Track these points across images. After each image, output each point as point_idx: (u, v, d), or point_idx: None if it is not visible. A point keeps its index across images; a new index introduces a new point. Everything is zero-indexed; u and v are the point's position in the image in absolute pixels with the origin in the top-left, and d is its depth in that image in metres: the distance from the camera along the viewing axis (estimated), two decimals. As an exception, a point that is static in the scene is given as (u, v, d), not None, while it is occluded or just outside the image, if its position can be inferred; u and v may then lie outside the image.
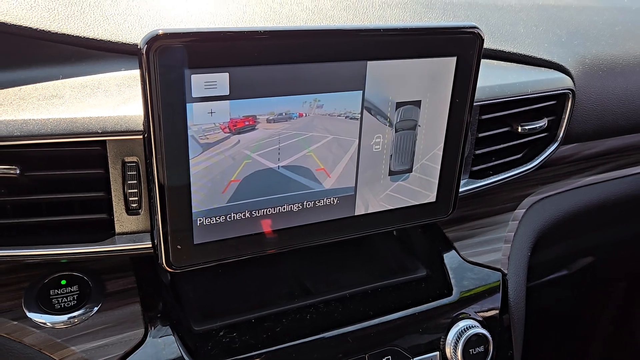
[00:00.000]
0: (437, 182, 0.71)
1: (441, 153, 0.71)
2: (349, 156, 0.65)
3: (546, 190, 0.97)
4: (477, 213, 0.88)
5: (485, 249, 0.83)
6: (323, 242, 0.69)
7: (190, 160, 0.56)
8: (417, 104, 0.66)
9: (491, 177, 0.82)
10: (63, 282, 0.65)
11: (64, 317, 0.62)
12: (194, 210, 0.60)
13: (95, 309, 0.64)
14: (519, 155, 0.86)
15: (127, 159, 0.59)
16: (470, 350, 0.72)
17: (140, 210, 0.61)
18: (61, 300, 0.64)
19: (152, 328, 0.64)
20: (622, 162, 1.08)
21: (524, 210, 0.91)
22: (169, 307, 0.67)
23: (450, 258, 0.81)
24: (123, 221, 0.61)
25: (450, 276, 0.78)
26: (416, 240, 0.85)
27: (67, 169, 0.57)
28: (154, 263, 0.70)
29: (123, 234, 0.62)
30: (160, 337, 0.63)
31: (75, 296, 0.64)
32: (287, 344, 0.66)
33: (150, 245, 0.62)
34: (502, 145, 0.82)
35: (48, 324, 0.62)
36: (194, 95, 0.54)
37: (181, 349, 0.63)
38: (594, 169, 1.04)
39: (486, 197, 0.92)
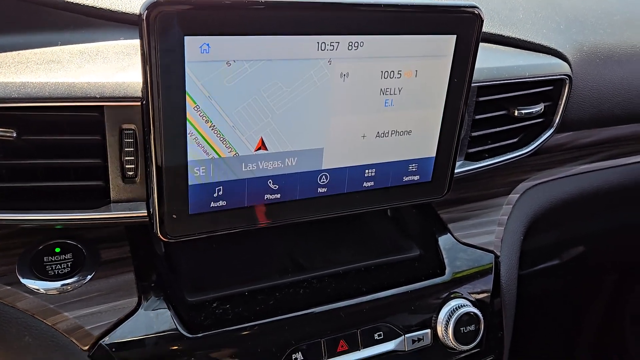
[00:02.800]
0: (434, 157, 0.72)
1: (438, 132, 0.71)
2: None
3: (540, 177, 0.97)
4: (472, 196, 0.89)
5: (478, 231, 0.84)
6: (316, 217, 0.69)
7: (187, 125, 0.56)
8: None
9: (487, 159, 0.83)
10: (57, 249, 0.65)
11: (57, 284, 0.62)
12: (189, 179, 0.60)
13: (89, 277, 0.64)
14: (515, 140, 0.87)
15: (125, 127, 0.59)
16: (462, 328, 0.73)
17: (136, 179, 0.61)
18: (55, 267, 0.64)
19: (146, 297, 0.64)
20: (616, 152, 1.09)
21: (518, 195, 0.92)
22: (162, 278, 0.67)
23: (443, 239, 0.81)
24: (119, 189, 0.61)
25: (444, 256, 0.79)
26: (410, 221, 0.85)
27: (64, 134, 0.57)
28: (148, 233, 0.71)
29: (119, 201, 0.62)
30: (154, 306, 0.64)
31: (69, 264, 0.64)
32: (280, 316, 0.66)
33: (146, 214, 0.62)
34: (498, 129, 0.83)
35: (41, 290, 0.62)
36: (192, 60, 0.54)
37: (174, 318, 0.63)
38: (588, 158, 1.05)
39: (481, 181, 0.92)
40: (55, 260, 0.64)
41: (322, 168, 0.68)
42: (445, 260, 0.78)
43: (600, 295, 1.90)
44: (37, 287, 0.62)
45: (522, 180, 0.95)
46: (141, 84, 0.55)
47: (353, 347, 0.69)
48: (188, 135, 0.59)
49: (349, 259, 0.77)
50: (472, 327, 0.74)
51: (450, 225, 0.83)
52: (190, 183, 0.61)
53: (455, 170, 0.77)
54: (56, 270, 0.63)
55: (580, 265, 1.37)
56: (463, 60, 0.67)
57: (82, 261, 0.65)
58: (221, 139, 0.61)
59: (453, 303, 0.74)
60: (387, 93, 0.67)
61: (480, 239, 0.83)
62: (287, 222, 0.68)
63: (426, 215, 0.84)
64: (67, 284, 0.63)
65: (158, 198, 0.59)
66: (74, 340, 0.60)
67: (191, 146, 0.59)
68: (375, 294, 0.72)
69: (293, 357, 0.65)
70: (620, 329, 1.87)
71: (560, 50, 0.89)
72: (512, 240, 0.86)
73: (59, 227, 0.63)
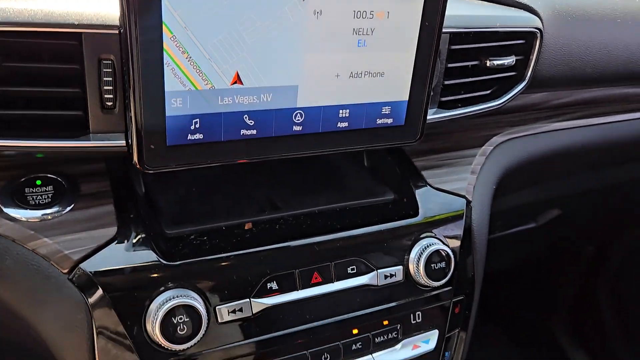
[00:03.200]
0: (407, 98, 0.74)
1: (410, 76, 0.74)
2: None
3: (514, 132, 1.00)
4: (446, 146, 0.92)
5: (451, 178, 0.87)
6: (292, 155, 0.71)
7: (164, 56, 0.58)
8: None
9: (459, 109, 0.85)
10: (38, 182, 0.67)
11: (38, 213, 0.64)
12: (167, 110, 0.62)
13: (69, 207, 0.66)
14: (487, 92, 0.89)
15: (103, 56, 0.60)
16: (432, 265, 0.76)
17: (115, 110, 0.63)
18: (36, 197, 0.65)
19: (125, 227, 0.66)
20: (588, 113, 1.12)
21: (492, 147, 0.95)
22: (141, 212, 0.69)
23: (417, 184, 0.84)
24: (98, 120, 0.63)
25: (417, 200, 0.81)
26: (385, 168, 0.88)
27: (43, 62, 0.59)
28: (128, 170, 0.72)
29: (98, 132, 0.63)
30: (132, 235, 0.66)
31: (49, 195, 0.66)
32: (256, 248, 0.69)
33: (124, 145, 0.64)
34: (471, 79, 0.85)
35: (22, 218, 0.63)
36: (168, -14, 0.56)
37: (152, 247, 0.65)
38: (560, 117, 1.08)
39: (454, 133, 0.95)
40: (36, 192, 0.66)
41: (297, 106, 0.70)
42: (419, 204, 0.81)
43: (576, 264, 1.95)
44: (18, 215, 0.63)
45: (496, 134, 0.98)
46: (119, 12, 0.57)
47: (326, 280, 0.71)
48: (165, 66, 0.60)
49: (325, 201, 0.80)
50: (442, 265, 0.77)
51: (424, 172, 0.86)
52: (167, 114, 0.63)
53: (429, 117, 0.79)
54: (37, 200, 0.65)
55: (556, 232, 1.41)
56: (434, 4, 0.69)
57: (62, 193, 0.67)
58: (197, 71, 0.63)
59: (424, 242, 0.77)
60: (359, 33, 0.69)
61: (453, 185, 0.85)
62: (263, 159, 0.70)
63: (401, 163, 0.87)
64: (48, 213, 0.64)
65: (136, 128, 0.61)
66: (53, 264, 0.62)
67: (168, 77, 0.61)
68: (349, 231, 0.74)
69: (268, 286, 0.68)
70: (594, 296, 1.92)
71: (532, 5, 0.91)
72: (484, 187, 0.89)
73: (39, 155, 0.64)
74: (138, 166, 0.63)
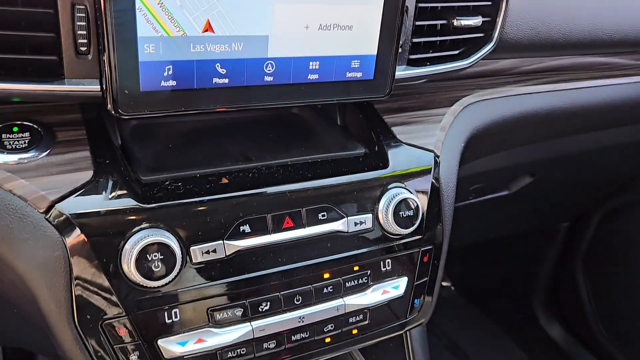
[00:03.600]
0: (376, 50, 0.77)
1: (378, 30, 0.76)
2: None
3: (483, 95, 1.03)
4: (416, 105, 0.95)
5: (421, 134, 0.90)
6: (263, 106, 0.74)
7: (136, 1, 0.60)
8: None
9: (428, 66, 0.88)
10: (15, 129, 0.68)
11: (15, 157, 0.66)
12: (140, 55, 0.64)
13: (45, 152, 0.67)
14: (455, 52, 0.93)
15: (77, 1, 0.62)
16: (401, 213, 0.79)
17: (89, 55, 0.65)
18: (12, 142, 0.67)
19: (101, 171, 0.68)
20: (554, 79, 1.16)
21: (461, 108, 0.98)
22: (117, 159, 0.71)
23: (387, 139, 0.87)
24: (72, 65, 0.64)
25: (387, 153, 0.84)
26: (357, 126, 0.90)
27: (17, 6, 0.60)
28: (104, 121, 0.74)
29: (73, 78, 0.65)
30: (108, 179, 0.67)
31: (26, 140, 0.68)
32: (229, 194, 0.71)
33: (99, 90, 0.65)
34: (439, 38, 0.88)
35: (-1, 161, 0.65)
36: None
37: (128, 190, 0.67)
38: (528, 82, 1.12)
39: (425, 94, 0.98)
40: (12, 137, 0.67)
41: (268, 56, 0.72)
42: (389, 157, 0.84)
43: (553, 240, 2.01)
44: (-5, 159, 0.65)
45: (465, 96, 1.01)
46: (91, -44, 0.59)
47: (298, 225, 0.74)
48: (137, 11, 0.63)
49: (298, 154, 0.82)
50: (410, 213, 0.80)
51: (394, 129, 0.89)
52: (140, 59, 0.65)
53: (397, 74, 0.82)
54: (14, 145, 0.67)
55: (528, 197, 1.45)
56: (399, -42, 0.72)
57: (39, 139, 0.68)
58: (169, 17, 0.65)
59: (393, 191, 0.80)
60: (328, -15, 0.72)
61: (422, 140, 0.88)
62: (235, 108, 0.72)
63: (372, 120, 0.90)
64: (24, 157, 0.66)
65: (110, 73, 0.63)
66: (30, 203, 0.63)
67: (141, 22, 0.63)
68: (320, 180, 0.77)
69: (241, 229, 0.70)
70: (571, 267, 1.98)
71: (499, -32, 0.94)
72: (453, 144, 0.92)
73: (15, 99, 0.66)
74: (113, 112, 0.66)
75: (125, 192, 0.67)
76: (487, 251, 2.21)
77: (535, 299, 2.18)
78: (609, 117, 1.25)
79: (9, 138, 0.67)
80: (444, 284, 2.33)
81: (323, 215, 0.76)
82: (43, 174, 0.65)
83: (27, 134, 0.68)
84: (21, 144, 0.67)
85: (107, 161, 0.69)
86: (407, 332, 0.97)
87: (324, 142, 0.88)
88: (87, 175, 0.67)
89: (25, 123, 0.69)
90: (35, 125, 0.69)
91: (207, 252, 0.68)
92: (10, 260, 0.63)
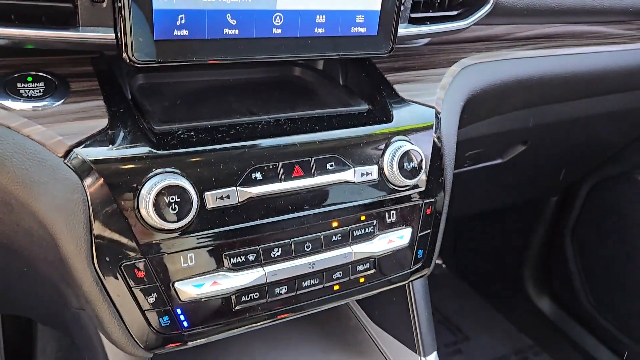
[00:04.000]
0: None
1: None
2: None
3: (480, 58, 1.06)
4: (416, 65, 0.97)
5: (422, 92, 0.92)
6: (272, 58, 0.76)
7: (151, -57, 0.62)
8: None
9: (428, 25, 0.90)
10: (29, 79, 0.69)
11: (31, 104, 0.67)
12: (154, 3, 0.65)
13: (61, 101, 0.69)
14: (454, 13, 0.95)
15: (91, -52, 0.63)
16: (405, 164, 0.81)
17: (104, 3, 0.66)
18: (28, 91, 0.68)
19: (116, 119, 0.69)
20: (548, 45, 1.19)
21: (460, 69, 1.01)
22: (130, 109, 0.72)
23: (390, 96, 0.89)
24: (87, 13, 0.66)
25: (390, 109, 0.87)
26: (360, 85, 0.92)
27: (32, -48, 0.61)
28: (115, 75, 0.75)
29: (87, 26, 0.66)
30: (124, 126, 0.69)
31: (41, 90, 0.69)
32: (241, 142, 0.73)
33: (114, 37, 0.67)
34: (438, -2, 0.91)
35: (16, 107, 0.66)
36: None
37: (143, 137, 0.68)
38: (523, 47, 1.15)
39: (425, 56, 1.01)
40: (27, 87, 0.68)
41: (277, 8, 0.74)
42: (392, 112, 0.86)
43: (543, 213, 2.06)
44: (11, 105, 0.66)
45: (463, 58, 1.03)
46: None
47: (307, 174, 0.76)
48: (152, -44, 0.64)
49: (303, 110, 0.84)
50: (414, 164, 0.82)
51: (395, 86, 0.91)
52: (154, 7, 0.66)
53: (400, 32, 0.85)
54: (29, 93, 0.68)
55: (521, 165, 1.49)
56: None
57: (54, 89, 0.70)
58: (183, -34, 0.66)
59: (397, 144, 0.82)
60: (334, -62, 0.74)
61: (424, 98, 0.91)
62: (245, 59, 0.74)
63: (374, 78, 0.92)
64: (40, 105, 0.67)
65: (124, 21, 0.64)
66: (48, 148, 0.65)
67: (154, -30, 0.65)
68: (327, 132, 0.79)
69: (253, 176, 0.72)
70: (560, 241, 2.03)
71: None
72: (453, 102, 0.94)
73: (29, 47, 0.67)
74: (127, 60, 0.67)
75: (141, 139, 0.68)
76: (477, 227, 2.26)
77: (525, 273, 2.23)
78: (598, 85, 1.29)
79: (24, 87, 0.68)
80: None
81: (331, 165, 0.78)
82: (59, 121, 0.67)
83: (41, 84, 0.69)
84: (36, 92, 0.68)
85: (121, 110, 0.71)
86: (411, 285, 0.99)
87: (327, 100, 0.90)
88: (103, 122, 0.68)
89: (39, 74, 0.70)
90: (48, 76, 0.70)
91: (221, 198, 0.70)
92: (29, 204, 0.65)
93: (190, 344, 0.73)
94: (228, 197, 0.71)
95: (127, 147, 0.67)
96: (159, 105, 0.80)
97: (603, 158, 1.74)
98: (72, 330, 1.01)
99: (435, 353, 0.99)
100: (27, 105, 0.67)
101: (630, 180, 1.78)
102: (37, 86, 0.69)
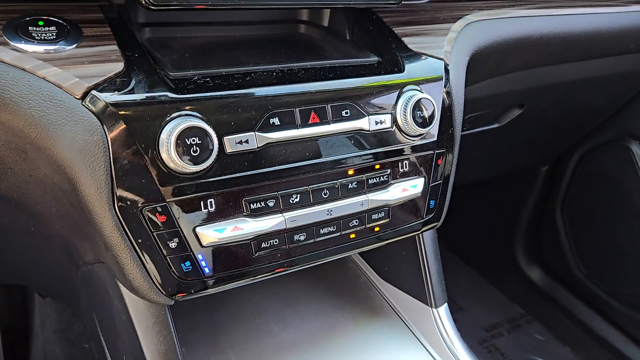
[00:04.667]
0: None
1: None
2: None
3: (482, 15, 1.07)
4: (422, 20, 0.97)
5: (430, 45, 0.92)
6: (284, 5, 0.76)
7: None
8: None
9: (434, -22, 0.91)
10: (40, 22, 0.68)
11: (45, 47, 0.65)
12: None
13: (74, 44, 0.67)
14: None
15: None
16: (418, 112, 0.82)
17: (118, -57, 0.64)
18: (40, 34, 0.66)
19: (131, 63, 0.68)
20: (548, 5, 1.20)
21: (464, 24, 1.01)
22: (145, 53, 0.71)
23: (399, 48, 0.89)
24: (102, -48, 0.64)
25: (400, 60, 0.87)
26: (367, 38, 0.92)
27: None
28: (126, 22, 0.74)
29: (102, -34, 0.65)
30: (140, 70, 0.68)
31: (54, 33, 0.67)
32: (257, 88, 0.72)
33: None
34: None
35: (29, 50, 0.64)
36: None
37: (161, 81, 0.67)
38: (523, 6, 1.16)
39: (429, 12, 1.01)
40: (39, 30, 0.67)
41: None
42: (403, 63, 0.86)
43: (533, 183, 2.09)
44: (25, 48, 0.64)
45: (467, 14, 1.04)
46: None
47: (323, 121, 0.76)
48: None
49: (315, 61, 0.84)
50: (426, 113, 0.82)
51: (404, 39, 0.91)
52: (170, -53, 0.65)
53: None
54: (42, 36, 0.66)
55: (517, 129, 1.51)
56: None
57: (66, 33, 0.68)
58: None
59: (410, 92, 0.83)
60: None
61: (432, 50, 0.91)
62: (255, 5, 0.74)
63: (382, 31, 0.92)
64: (54, 48, 0.66)
65: (140, -39, 0.63)
66: (66, 90, 0.63)
67: None
68: (342, 80, 0.79)
69: (271, 122, 0.72)
70: (551, 210, 2.06)
71: None
72: (459, 56, 0.95)
73: None
74: (143, 1, 0.66)
75: (159, 83, 0.67)
76: (467, 199, 2.28)
77: (516, 244, 2.27)
78: (593, 46, 1.31)
79: (36, 30, 0.67)
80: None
81: (346, 113, 0.78)
82: (75, 63, 0.65)
83: (53, 28, 0.68)
84: (49, 36, 0.67)
85: (136, 55, 0.69)
86: (421, 238, 1.00)
87: (336, 54, 0.90)
88: (119, 66, 0.67)
89: (50, 18, 0.69)
90: (60, 21, 0.69)
91: (240, 143, 0.70)
92: (47, 147, 0.63)
93: (211, 290, 0.73)
94: (247, 141, 0.70)
95: (146, 91, 0.66)
96: (168, 57, 0.79)
97: (594, 124, 1.77)
98: (80, 295, 1.00)
99: (446, 304, 1.01)
100: (40, 48, 0.65)
101: (619, 147, 1.81)
102: (49, 30, 0.67)
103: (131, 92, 0.65)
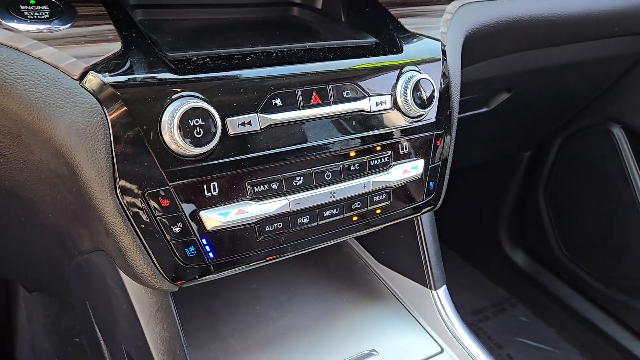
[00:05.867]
0: None
1: None
2: None
3: (475, -2, 1.07)
4: (417, 1, 0.97)
5: (426, 25, 0.92)
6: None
7: None
8: None
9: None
10: (32, 1, 0.65)
11: (38, 26, 0.63)
12: None
13: (69, 23, 0.65)
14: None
15: None
16: (417, 92, 0.81)
17: None
18: (33, 13, 0.64)
19: (129, 43, 0.66)
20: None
21: (458, 5, 1.01)
22: (142, 34, 0.69)
23: (396, 29, 0.88)
24: None
25: (398, 41, 0.86)
26: (363, 19, 0.91)
27: None
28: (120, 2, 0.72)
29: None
30: (138, 50, 0.66)
31: (47, 12, 0.64)
32: (258, 69, 0.71)
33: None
34: None
35: (22, 29, 0.62)
36: None
37: (160, 61, 0.65)
38: (513, -11, 1.16)
39: (424, -6, 1.01)
40: (31, 9, 0.64)
41: None
42: (401, 44, 0.86)
43: (517, 168, 2.11)
44: (18, 27, 0.62)
45: (459, -3, 1.04)
46: None
47: (325, 101, 0.75)
48: None
49: (312, 42, 0.82)
50: (426, 94, 0.82)
51: (400, 20, 0.90)
52: None
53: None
54: (35, 15, 0.63)
55: (504, 113, 1.52)
56: None
57: (60, 12, 0.65)
58: None
59: (409, 73, 0.82)
60: None
61: (429, 31, 0.91)
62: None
63: (377, 12, 0.91)
64: (47, 27, 0.63)
65: None
66: (63, 70, 0.61)
67: None
68: (342, 60, 0.78)
69: (273, 102, 0.70)
70: (534, 195, 2.09)
71: None
72: (455, 37, 0.95)
73: None
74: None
75: (158, 63, 0.65)
76: (451, 185, 2.30)
77: (500, 229, 2.30)
78: (581, 29, 1.32)
79: (28, 9, 0.64)
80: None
81: (347, 94, 0.77)
82: (71, 43, 0.63)
83: (45, 7, 0.65)
84: (42, 15, 0.64)
85: (133, 34, 0.67)
86: (420, 220, 1.00)
87: (332, 35, 0.88)
88: (116, 46, 0.65)
89: (41, -5, 0.66)
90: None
91: (243, 124, 0.68)
92: (44, 130, 0.61)
93: (215, 275, 0.71)
94: (250, 123, 0.69)
95: (146, 72, 0.64)
96: (162, 39, 0.77)
97: (577, 109, 1.79)
98: (71, 287, 0.97)
99: (445, 286, 1.01)
100: (33, 27, 0.63)
101: (601, 131, 1.84)
102: (41, 9, 0.65)
103: (131, 72, 0.63)
